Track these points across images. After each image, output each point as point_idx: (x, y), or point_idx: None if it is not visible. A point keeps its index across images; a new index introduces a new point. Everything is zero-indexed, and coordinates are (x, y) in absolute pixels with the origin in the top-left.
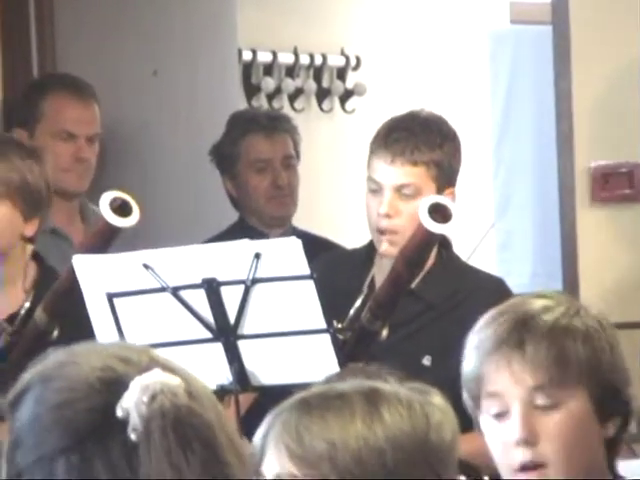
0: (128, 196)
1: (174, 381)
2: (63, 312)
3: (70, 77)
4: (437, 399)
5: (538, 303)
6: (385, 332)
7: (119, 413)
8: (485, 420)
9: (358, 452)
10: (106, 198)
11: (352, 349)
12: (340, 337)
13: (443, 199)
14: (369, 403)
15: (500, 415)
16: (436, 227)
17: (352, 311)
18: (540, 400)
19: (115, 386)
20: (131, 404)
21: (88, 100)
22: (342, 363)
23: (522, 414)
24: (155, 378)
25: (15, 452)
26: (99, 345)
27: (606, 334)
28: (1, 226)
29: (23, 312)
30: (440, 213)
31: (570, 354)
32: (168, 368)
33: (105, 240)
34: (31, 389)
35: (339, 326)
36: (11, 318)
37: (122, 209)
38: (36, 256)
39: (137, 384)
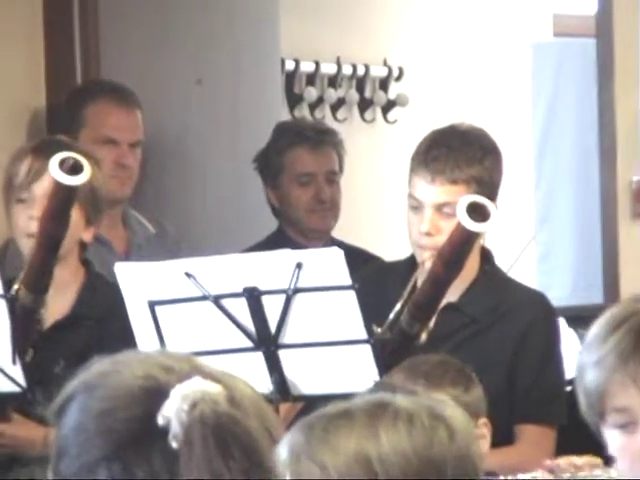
0: (79, 155)
1: (214, 389)
2: (45, 287)
3: (113, 84)
4: (450, 411)
5: None
6: (424, 336)
7: (160, 421)
8: (611, 433)
9: (348, 473)
10: (56, 159)
11: (392, 353)
12: (379, 341)
13: (481, 198)
14: (370, 421)
15: (627, 426)
16: (474, 226)
17: (392, 315)
18: None
19: (156, 394)
20: (172, 412)
21: (131, 107)
22: (381, 367)
23: None
24: (195, 386)
25: (59, 461)
26: (142, 354)
27: None
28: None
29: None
30: (478, 212)
31: None
32: (210, 376)
33: (61, 202)
34: (75, 398)
35: (379, 330)
36: (56, 326)
37: (74, 169)
38: (85, 262)
39: (178, 392)
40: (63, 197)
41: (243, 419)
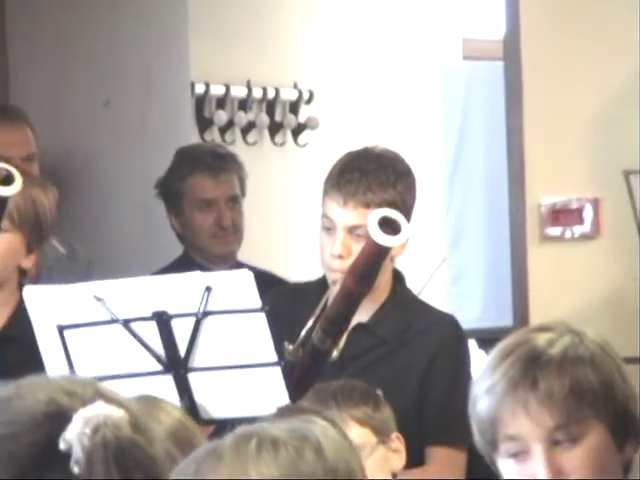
0: (10, 166)
1: (117, 413)
2: None
3: (0, 105)
4: (318, 429)
5: (542, 337)
6: (336, 353)
7: (62, 446)
8: (505, 462)
9: None
10: None
11: (303, 370)
12: (291, 359)
13: (392, 212)
14: (236, 456)
15: (519, 454)
16: (385, 240)
17: (303, 332)
18: (561, 437)
19: (59, 419)
20: (74, 436)
21: (19, 123)
22: (292, 390)
23: (546, 455)
24: (98, 410)
25: None
26: (45, 378)
27: (610, 356)
28: (7, 257)
29: None
30: (390, 227)
31: (583, 384)
32: (114, 401)
33: None
34: None
35: (290, 347)
36: None
37: (6, 180)
38: (21, 286)
39: (80, 417)
40: None
41: (146, 444)
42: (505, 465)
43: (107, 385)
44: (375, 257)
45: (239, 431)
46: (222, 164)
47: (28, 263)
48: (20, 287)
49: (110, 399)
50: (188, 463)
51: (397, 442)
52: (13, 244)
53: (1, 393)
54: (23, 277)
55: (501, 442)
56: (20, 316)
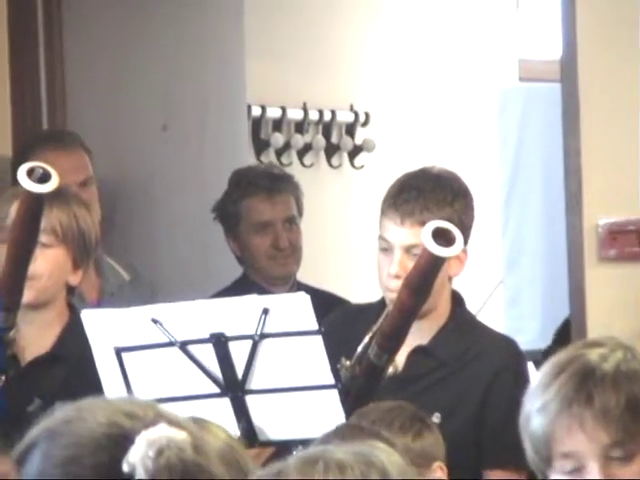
0: (46, 165)
1: (180, 435)
2: (16, 304)
3: (54, 131)
4: (384, 455)
5: (594, 352)
6: (392, 369)
7: (125, 468)
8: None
9: None
10: (24, 168)
11: (359, 387)
12: (348, 375)
13: (446, 223)
14: (303, 475)
15: (574, 472)
16: (440, 251)
17: (360, 347)
18: (616, 453)
19: (121, 441)
20: (137, 459)
21: (74, 148)
22: (350, 404)
23: (601, 472)
24: (161, 433)
25: None
26: (105, 400)
27: None
28: (54, 272)
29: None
30: (444, 238)
31: (639, 400)
32: (174, 422)
33: (30, 210)
34: (38, 445)
35: (347, 363)
36: (34, 363)
37: (43, 179)
38: (71, 306)
39: (143, 439)
40: (32, 206)
41: (208, 466)
42: None
43: (165, 407)
44: (429, 269)
45: (303, 454)
46: (277, 185)
47: (75, 279)
48: (69, 306)
49: (171, 421)
50: None
51: (439, 472)
52: (59, 259)
53: (60, 415)
54: (71, 295)
55: (555, 459)
56: (69, 336)
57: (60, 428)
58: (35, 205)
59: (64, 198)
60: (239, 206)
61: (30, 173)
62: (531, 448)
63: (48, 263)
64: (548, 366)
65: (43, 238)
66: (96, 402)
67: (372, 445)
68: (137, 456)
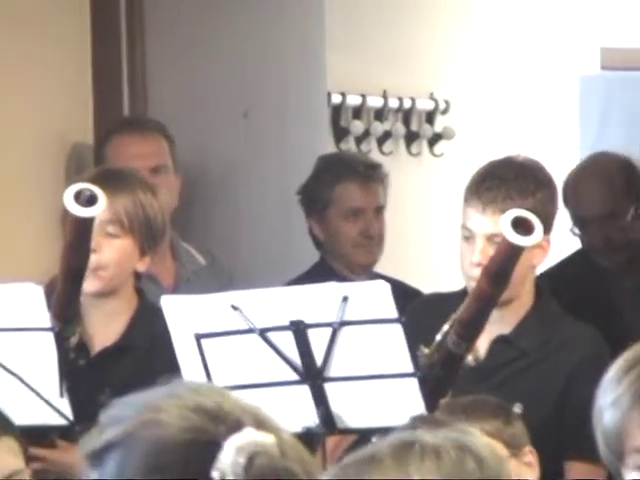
0: (94, 186)
1: (268, 440)
2: (72, 316)
3: (133, 117)
4: (476, 440)
5: None
6: (471, 357)
7: (215, 476)
8: (632, 475)
9: None
10: (71, 191)
11: (438, 375)
12: (426, 362)
13: (525, 212)
14: (398, 463)
15: None
16: (519, 240)
17: (439, 336)
18: None
19: (207, 447)
20: (227, 466)
21: (150, 134)
22: (428, 392)
23: None
24: (249, 438)
25: None
26: (179, 397)
27: None
28: (121, 262)
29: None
30: (523, 227)
31: None
32: (257, 421)
33: (79, 234)
34: (115, 448)
35: (425, 351)
36: (104, 353)
37: (90, 202)
38: (139, 291)
39: (232, 445)
40: (80, 229)
41: (292, 467)
42: (632, 477)
43: (237, 395)
44: (508, 257)
45: (397, 438)
46: (372, 173)
47: (142, 266)
48: (137, 292)
49: (255, 419)
50: (344, 469)
51: (530, 456)
52: (125, 248)
53: (137, 416)
54: (139, 281)
55: (628, 454)
56: (137, 325)
57: (138, 432)
58: (83, 229)
59: (129, 184)
60: (331, 190)
61: (78, 196)
62: (603, 442)
63: (115, 253)
64: (621, 360)
65: (109, 228)
66: (171, 400)
67: (463, 430)
68: (227, 462)
